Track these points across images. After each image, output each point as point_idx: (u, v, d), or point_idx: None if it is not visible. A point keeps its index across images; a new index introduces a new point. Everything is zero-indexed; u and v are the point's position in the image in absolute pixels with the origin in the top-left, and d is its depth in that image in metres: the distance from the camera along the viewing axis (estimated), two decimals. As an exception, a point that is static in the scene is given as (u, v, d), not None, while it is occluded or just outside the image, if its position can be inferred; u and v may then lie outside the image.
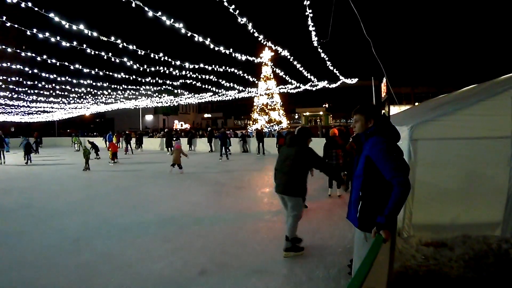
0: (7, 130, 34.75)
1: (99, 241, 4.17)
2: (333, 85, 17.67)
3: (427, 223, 3.57)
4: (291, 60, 10.79)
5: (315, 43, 8.94)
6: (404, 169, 1.97)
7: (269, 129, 33.16)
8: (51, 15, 6.29)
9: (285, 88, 17.35)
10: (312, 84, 16.11)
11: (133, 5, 5.68)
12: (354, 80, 17.43)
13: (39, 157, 16.76)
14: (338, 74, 14.16)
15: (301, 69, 12.57)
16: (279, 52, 9.80)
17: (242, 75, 12.94)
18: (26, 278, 3.20)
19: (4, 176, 10.62)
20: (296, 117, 53.78)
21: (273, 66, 15.54)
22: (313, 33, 8.32)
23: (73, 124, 43.00)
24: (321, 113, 51.24)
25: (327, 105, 53.33)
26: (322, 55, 10.57)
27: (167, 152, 17.42)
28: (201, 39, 7.63)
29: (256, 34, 7.94)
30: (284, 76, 14.31)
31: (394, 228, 2.08)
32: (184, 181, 8.67)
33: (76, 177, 10.02)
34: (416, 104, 24.77)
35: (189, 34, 7.26)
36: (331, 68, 12.73)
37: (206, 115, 59.86)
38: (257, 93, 23.48)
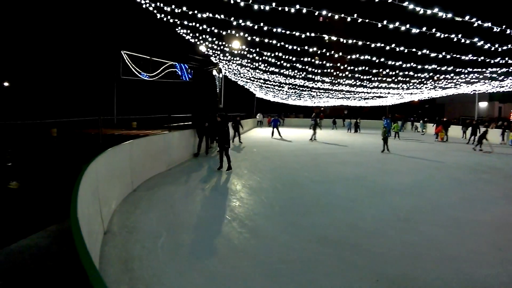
0: (341, 112, 41.88)
1: (427, 227, 4.24)
2: None
3: None
4: None
5: None
6: None
7: None
8: (405, 4, 6.52)
9: None
10: None
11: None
12: None
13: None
14: None
15: None
16: None
17: None
18: (357, 240, 3.75)
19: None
20: None
21: None
22: None
23: (400, 109, 41.79)
24: None
25: None
26: None
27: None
28: None
29: None
30: None
31: None
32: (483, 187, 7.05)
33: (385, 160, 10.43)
34: None
35: None
36: None
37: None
38: None
